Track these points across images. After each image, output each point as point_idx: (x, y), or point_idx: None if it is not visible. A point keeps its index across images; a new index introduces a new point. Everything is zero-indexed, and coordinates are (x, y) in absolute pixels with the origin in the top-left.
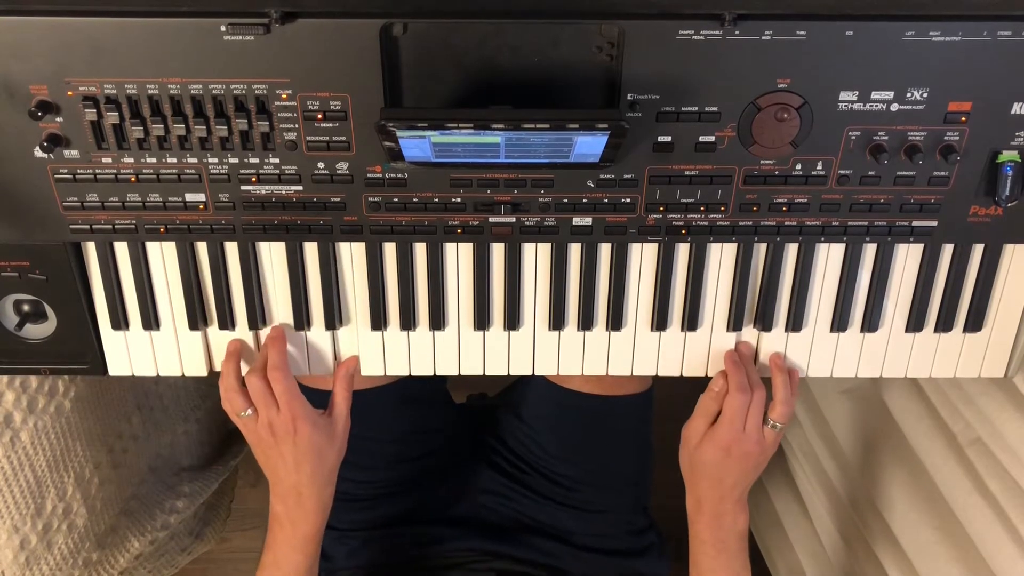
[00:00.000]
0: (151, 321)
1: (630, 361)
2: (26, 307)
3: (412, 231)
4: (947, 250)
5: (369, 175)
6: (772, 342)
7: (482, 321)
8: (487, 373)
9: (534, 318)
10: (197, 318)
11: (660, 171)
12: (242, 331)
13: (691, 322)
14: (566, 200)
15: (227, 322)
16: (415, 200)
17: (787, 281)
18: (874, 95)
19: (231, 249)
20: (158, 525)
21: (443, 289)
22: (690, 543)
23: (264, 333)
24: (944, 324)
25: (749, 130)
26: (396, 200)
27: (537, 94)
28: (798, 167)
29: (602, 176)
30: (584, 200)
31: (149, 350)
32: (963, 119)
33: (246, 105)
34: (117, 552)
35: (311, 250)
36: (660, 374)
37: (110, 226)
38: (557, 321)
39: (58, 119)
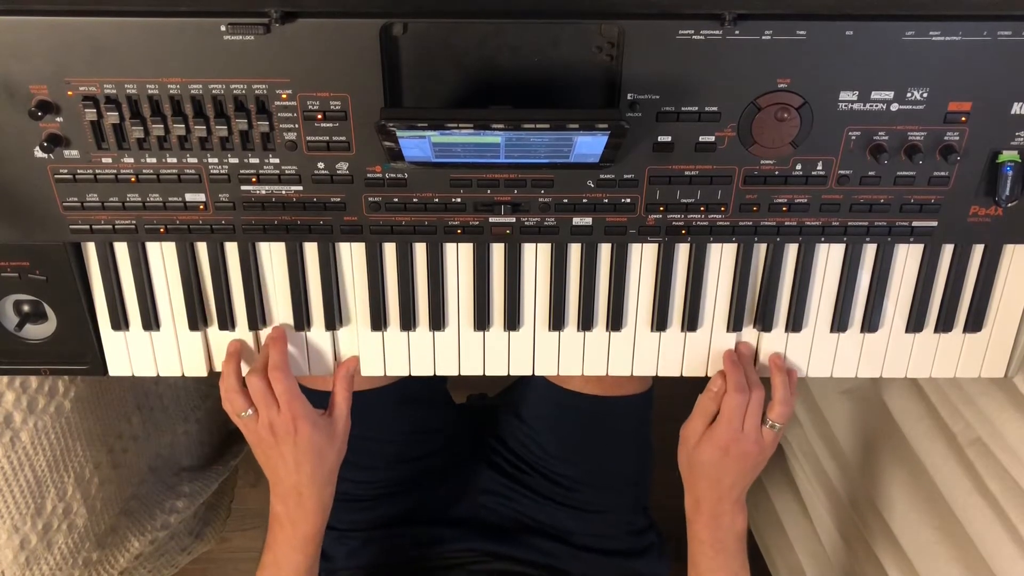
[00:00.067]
0: (151, 321)
1: (630, 361)
2: (26, 307)
3: (412, 231)
4: (947, 250)
5: (369, 175)
6: (772, 342)
7: (482, 321)
8: (487, 373)
9: (534, 318)
10: (197, 318)
11: (660, 171)
12: (242, 331)
13: (691, 322)
14: (566, 200)
15: (227, 322)
16: (415, 200)
17: (787, 281)
18: (874, 95)
19: (231, 249)
20: (158, 525)
21: (443, 289)
22: (688, 543)
23: (264, 333)
24: (944, 324)
25: (749, 130)
26: (396, 200)
27: (537, 94)
28: (798, 167)
29: (602, 176)
30: (584, 200)
31: (149, 350)
32: (963, 119)
33: (246, 105)
34: (117, 552)
35: (311, 250)
36: (660, 374)
37: (110, 226)
38: (557, 321)
39: (58, 119)
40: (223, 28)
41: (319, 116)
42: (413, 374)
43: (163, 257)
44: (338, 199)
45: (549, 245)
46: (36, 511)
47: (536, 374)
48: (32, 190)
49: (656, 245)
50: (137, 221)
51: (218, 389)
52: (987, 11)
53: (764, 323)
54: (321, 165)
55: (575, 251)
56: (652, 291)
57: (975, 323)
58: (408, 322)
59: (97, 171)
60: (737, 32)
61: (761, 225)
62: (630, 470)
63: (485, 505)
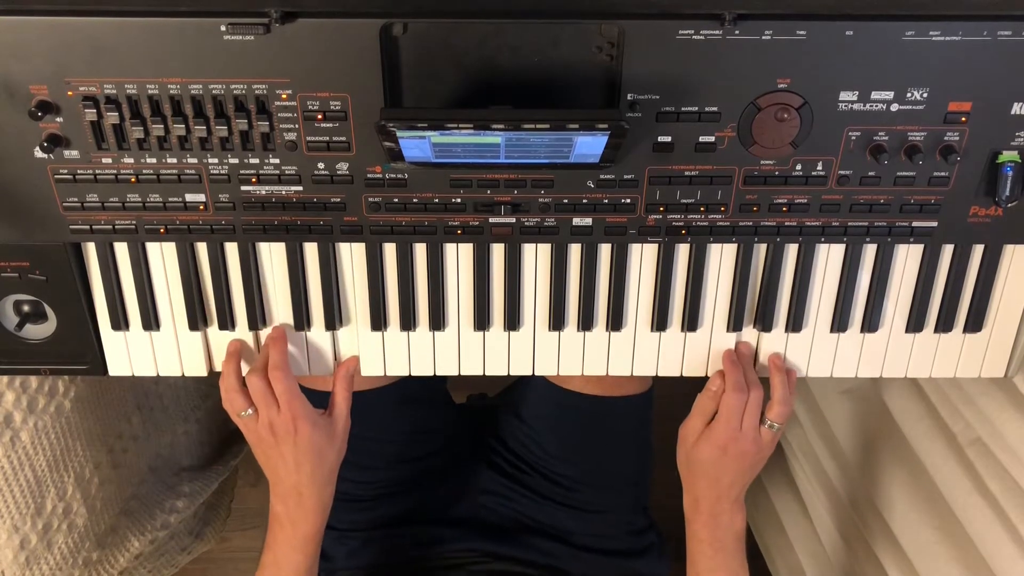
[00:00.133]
0: (151, 321)
1: (630, 361)
2: (26, 307)
3: (412, 231)
4: (947, 250)
5: (369, 175)
6: (772, 342)
7: (482, 321)
8: (487, 373)
9: (534, 318)
10: (197, 318)
11: (660, 171)
12: (242, 331)
13: (691, 322)
14: (566, 200)
15: (227, 322)
16: (415, 200)
17: (787, 281)
18: (874, 95)
19: (231, 249)
20: (158, 525)
21: (443, 289)
22: (687, 542)
23: (264, 333)
24: (944, 324)
25: (749, 130)
26: (396, 200)
27: (537, 94)
28: (798, 167)
29: (602, 176)
30: (584, 200)
31: (149, 350)
32: (963, 119)
33: (246, 105)
34: (117, 552)
35: (311, 250)
36: (660, 374)
37: (110, 226)
38: (557, 321)
39: (58, 119)
40: (223, 28)
41: (319, 116)
42: (413, 374)
43: (163, 257)
44: (338, 199)
45: (549, 245)
46: (36, 511)
47: (536, 374)
48: (32, 190)
49: (656, 245)
50: (137, 221)
51: (218, 389)
52: (987, 11)
53: (764, 323)
54: (321, 165)
55: (575, 251)
56: (652, 291)
57: (975, 323)
58: (408, 322)
59: (97, 171)
60: (737, 32)
61: (761, 225)
62: (630, 470)
63: (485, 505)
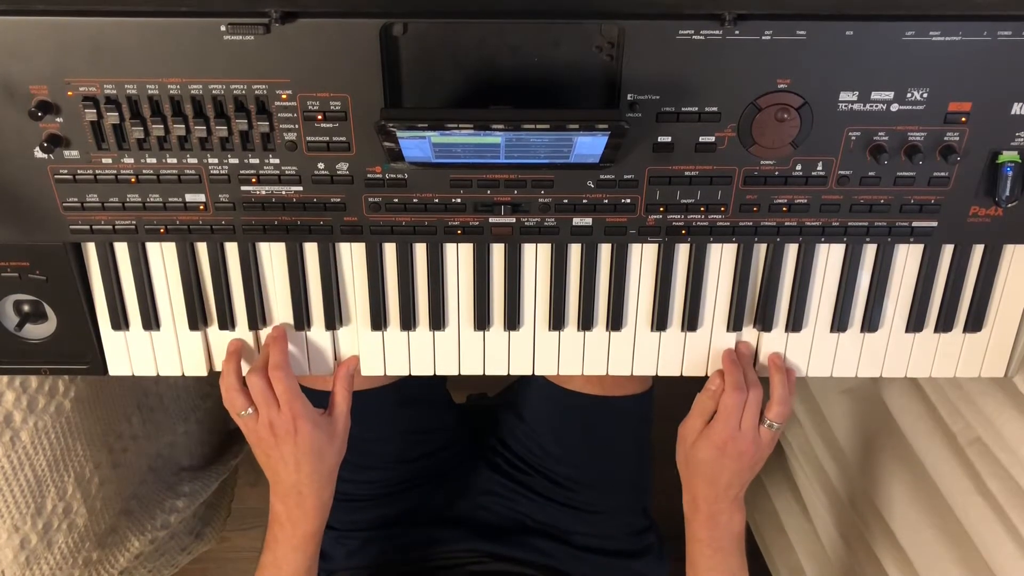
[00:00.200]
0: (151, 321)
1: (630, 361)
2: (26, 307)
3: (412, 231)
4: (947, 250)
5: (369, 175)
6: (772, 342)
7: (482, 321)
8: (487, 373)
9: (534, 318)
10: (197, 318)
11: (660, 171)
12: (242, 331)
13: (691, 322)
14: (566, 200)
15: (227, 322)
16: (415, 200)
17: (787, 281)
18: (874, 95)
19: (231, 249)
20: (158, 525)
21: (443, 289)
22: (687, 542)
23: (264, 333)
24: (944, 324)
25: (749, 130)
26: (396, 200)
27: (537, 94)
28: (798, 167)
29: (602, 176)
30: (584, 201)
31: (149, 350)
32: (963, 119)
33: (246, 105)
34: (117, 552)
35: (311, 250)
36: (660, 374)
37: (110, 227)
38: (557, 321)
39: (58, 119)
40: (223, 28)
41: (319, 116)
42: (413, 374)
43: (163, 257)
44: (338, 199)
45: (549, 245)
46: (36, 511)
47: (536, 374)
48: (32, 190)
49: (656, 245)
50: (137, 221)
51: (218, 389)
52: (987, 11)
53: (764, 323)
54: (321, 165)
55: (575, 251)
56: (652, 291)
57: (975, 323)
58: (408, 322)
59: (97, 171)
60: (737, 32)
61: (761, 225)
62: (630, 470)
63: (485, 505)
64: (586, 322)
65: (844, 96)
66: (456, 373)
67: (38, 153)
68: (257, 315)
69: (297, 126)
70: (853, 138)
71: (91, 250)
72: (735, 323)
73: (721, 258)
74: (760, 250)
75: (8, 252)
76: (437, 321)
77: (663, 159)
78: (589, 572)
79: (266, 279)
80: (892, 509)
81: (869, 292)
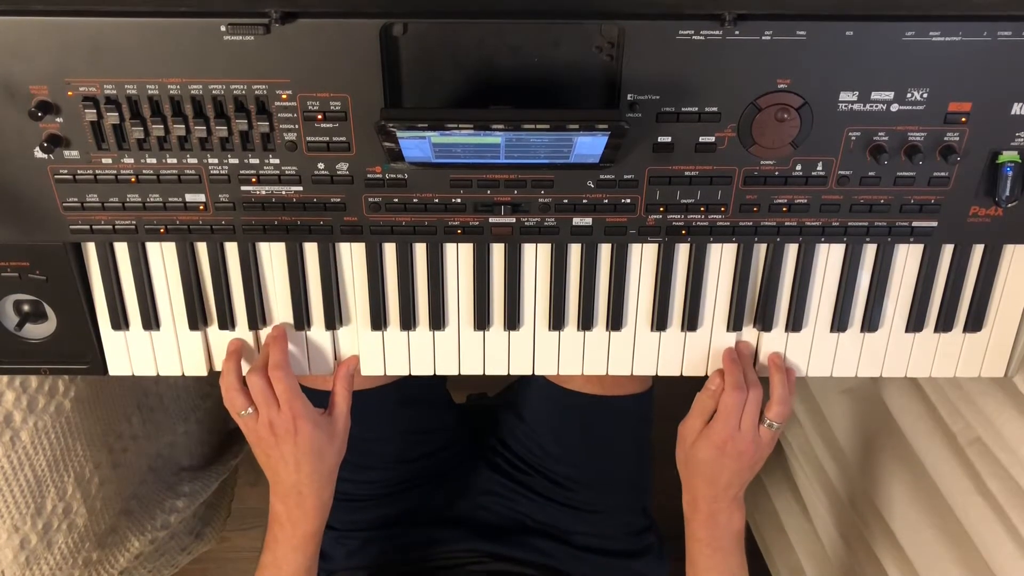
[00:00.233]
0: (151, 321)
1: (630, 361)
2: (26, 307)
3: (412, 231)
4: (947, 250)
5: (369, 175)
6: (772, 342)
7: (482, 321)
8: (487, 373)
9: (534, 318)
10: (197, 318)
11: (660, 171)
12: (242, 331)
13: (691, 322)
14: (566, 200)
15: (227, 322)
16: (415, 200)
17: (787, 281)
18: (874, 95)
19: (231, 249)
20: (158, 525)
21: (443, 289)
22: (686, 541)
23: (264, 333)
24: (944, 324)
25: (749, 130)
26: (396, 200)
27: (537, 94)
28: (798, 167)
29: (602, 176)
30: (584, 200)
31: (149, 350)
32: (963, 119)
33: (246, 105)
34: (117, 552)
35: (311, 250)
36: (660, 374)
37: (110, 226)
38: (557, 321)
39: (58, 119)
40: (223, 28)
41: (319, 116)
42: (413, 373)
43: (163, 257)
44: (338, 199)
45: (549, 245)
46: (36, 511)
47: (536, 374)
48: (32, 190)
49: (656, 245)
50: (137, 221)
51: (218, 389)
52: (987, 11)
53: (764, 323)
54: (321, 165)
55: (575, 251)
56: (652, 291)
57: (975, 323)
58: (408, 322)
59: (97, 171)
60: (737, 32)
61: (761, 225)
62: (630, 470)
63: (485, 505)
64: (586, 322)
65: (844, 96)
66: (456, 373)
67: (38, 153)
68: (257, 315)
69: (297, 126)
70: (853, 138)
71: (91, 250)
72: (735, 323)
73: (721, 258)
74: (760, 250)
75: (8, 252)
76: (437, 321)
77: (663, 159)
78: (589, 572)
79: (266, 279)
80: (892, 509)
81: (869, 292)
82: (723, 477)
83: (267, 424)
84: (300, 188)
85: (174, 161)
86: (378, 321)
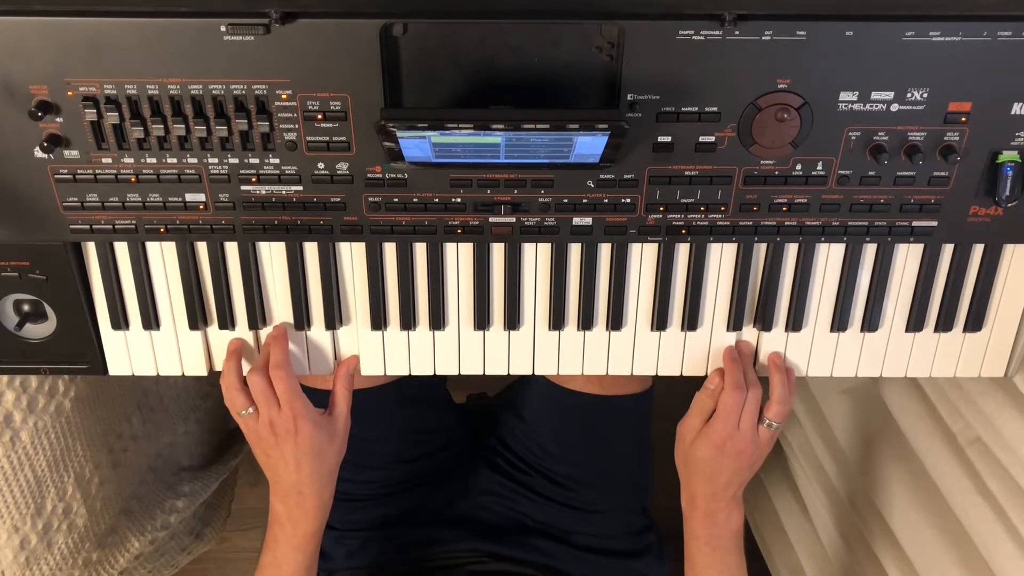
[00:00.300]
0: (151, 321)
1: (630, 361)
2: (26, 307)
3: (412, 231)
4: (947, 250)
5: (369, 175)
6: (772, 342)
7: (482, 321)
8: (487, 373)
9: (534, 318)
10: (197, 318)
11: (660, 171)
12: (242, 331)
13: (691, 322)
14: (566, 200)
15: (227, 322)
16: (415, 200)
17: (787, 281)
18: (874, 95)
19: (231, 249)
20: (158, 525)
21: (443, 289)
22: (685, 540)
23: (264, 333)
24: (944, 324)
25: (749, 130)
26: (396, 200)
27: (537, 94)
28: (798, 167)
29: (602, 176)
30: (584, 200)
31: (149, 350)
32: (963, 119)
33: (246, 105)
34: (117, 552)
35: (311, 250)
36: (660, 374)
37: (110, 226)
38: (557, 321)
39: (58, 119)
40: (223, 28)
41: (319, 116)
42: (413, 373)
43: (163, 257)
44: (338, 199)
45: (549, 245)
46: (36, 511)
47: (536, 374)
48: (32, 190)
49: (656, 245)
50: (137, 221)
51: (218, 389)
52: (987, 11)
53: (764, 323)
54: (321, 165)
55: (575, 251)
56: (652, 291)
57: (975, 323)
58: (408, 321)
59: (97, 171)
60: (737, 32)
61: (761, 225)
62: (630, 470)
63: (485, 505)
64: (586, 322)
65: (844, 96)
66: (456, 373)
67: (38, 153)
68: (257, 315)
69: (297, 126)
70: (853, 138)
71: (91, 250)
72: (735, 323)
73: (721, 258)
74: (760, 250)
75: (8, 252)
76: (437, 321)
77: (663, 159)
78: (589, 572)
79: (266, 279)
80: (892, 509)
81: (869, 292)
82: (722, 476)
83: (268, 424)
84: (300, 188)
85: (174, 161)
86: (378, 321)
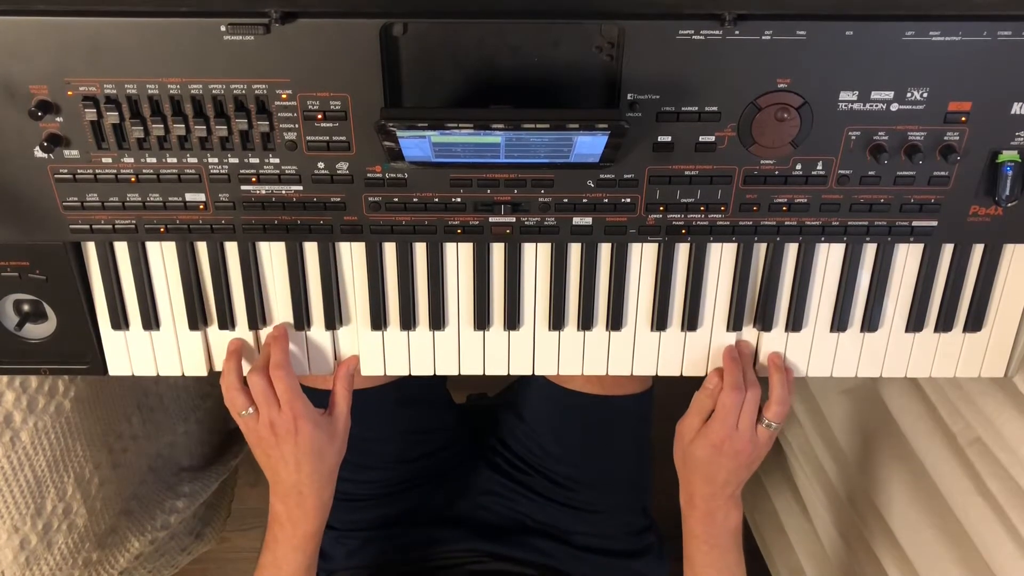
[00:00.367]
0: (151, 321)
1: (630, 361)
2: (26, 307)
3: (412, 231)
4: (947, 250)
5: (369, 175)
6: (772, 342)
7: (482, 321)
8: (487, 373)
9: (534, 318)
10: (197, 318)
11: (660, 171)
12: (242, 331)
13: (691, 322)
14: (566, 200)
15: (227, 322)
16: (415, 200)
17: (787, 281)
18: (874, 95)
19: (231, 249)
20: (158, 525)
21: (443, 289)
22: (683, 538)
23: (264, 333)
24: (944, 324)
25: (749, 130)
26: (396, 200)
27: (537, 94)
28: (798, 167)
29: (602, 176)
30: (584, 200)
31: (149, 350)
32: (963, 119)
33: (246, 105)
34: (117, 552)
35: (311, 250)
36: (660, 374)
37: (110, 226)
38: (557, 321)
39: (58, 119)
40: (223, 28)
41: (319, 116)
42: (413, 373)
43: (163, 257)
44: (338, 199)
45: (549, 245)
46: (36, 511)
47: (536, 374)
48: (32, 190)
49: (656, 245)
50: (137, 221)
51: (218, 389)
52: (987, 11)
53: (764, 323)
54: (321, 165)
55: (575, 251)
56: (652, 291)
57: (975, 323)
58: (408, 322)
59: (97, 171)
60: (737, 32)
61: (761, 225)
62: (630, 470)
63: (485, 505)
64: (586, 322)
65: (844, 96)
66: (456, 373)
67: (38, 153)
68: (257, 315)
69: (297, 126)
70: (853, 138)
71: (91, 250)
72: (735, 323)
73: (721, 258)
74: (760, 250)
75: (8, 252)
76: (437, 321)
77: (663, 159)
78: (589, 572)
79: (266, 279)
80: (892, 509)
81: (869, 292)
82: (720, 475)
83: (268, 424)
84: (300, 187)
85: (174, 161)
86: (378, 321)
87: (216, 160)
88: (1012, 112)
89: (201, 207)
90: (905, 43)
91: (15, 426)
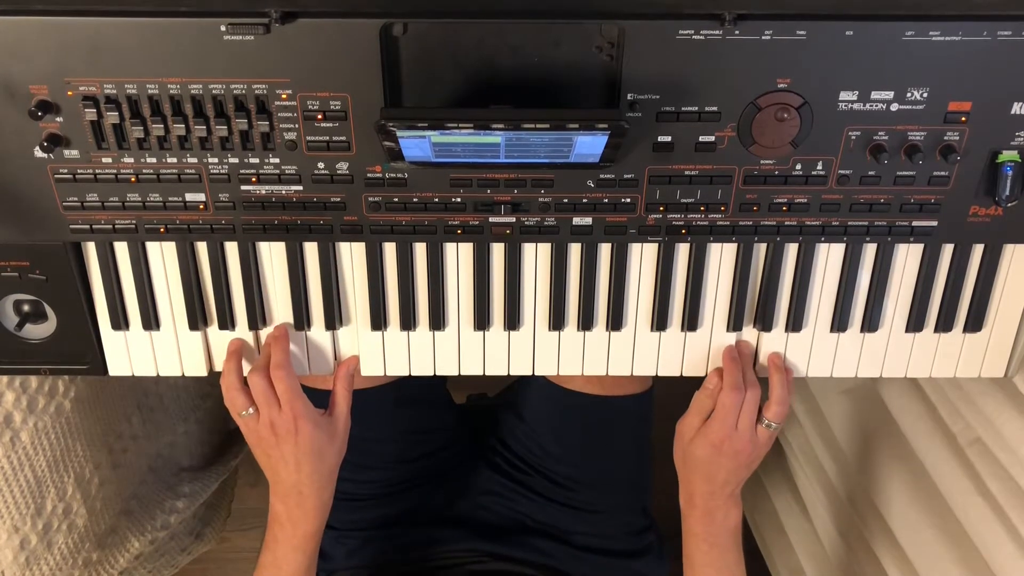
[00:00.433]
0: (151, 321)
1: (630, 361)
2: (26, 307)
3: (412, 231)
4: (947, 250)
5: (369, 175)
6: (772, 342)
7: (482, 321)
8: (487, 373)
9: (534, 318)
10: (197, 318)
11: (660, 171)
12: (242, 331)
13: (691, 322)
14: (566, 200)
15: (227, 322)
16: (415, 200)
17: (787, 281)
18: (874, 95)
19: (231, 249)
20: (158, 525)
21: (443, 289)
22: (683, 537)
23: (264, 333)
24: (944, 324)
25: (749, 130)
26: (396, 200)
27: (537, 94)
28: (798, 167)
29: (602, 176)
30: (584, 200)
31: (149, 350)
32: (963, 119)
33: (246, 105)
34: (117, 552)
35: (311, 250)
36: (660, 374)
37: (110, 226)
38: (557, 321)
39: (58, 119)
40: (223, 28)
41: (319, 116)
42: (413, 374)
43: (163, 257)
44: (338, 199)
45: (549, 245)
46: (36, 511)
47: (536, 374)
48: (32, 190)
49: (656, 245)
50: (137, 221)
51: (218, 389)
52: (987, 11)
53: (764, 323)
54: (321, 165)
55: (575, 251)
56: (652, 291)
57: (975, 323)
58: (408, 322)
59: (97, 171)
60: (737, 32)
61: (761, 225)
62: (630, 470)
63: (485, 505)
64: (586, 322)
65: (844, 96)
66: (456, 373)
67: (38, 153)
68: (257, 315)
69: (297, 126)
70: (853, 138)
71: (91, 250)
72: (735, 323)
73: (721, 258)
74: (760, 250)
75: (8, 252)
76: (437, 321)
77: (663, 159)
78: (589, 572)
79: (266, 279)
80: (892, 509)
81: (869, 292)
82: (720, 475)
83: (268, 424)
84: (300, 188)
85: (174, 161)
86: (378, 321)
87: (216, 160)
88: (1012, 112)
89: (201, 207)
90: (905, 43)
91: (15, 426)
